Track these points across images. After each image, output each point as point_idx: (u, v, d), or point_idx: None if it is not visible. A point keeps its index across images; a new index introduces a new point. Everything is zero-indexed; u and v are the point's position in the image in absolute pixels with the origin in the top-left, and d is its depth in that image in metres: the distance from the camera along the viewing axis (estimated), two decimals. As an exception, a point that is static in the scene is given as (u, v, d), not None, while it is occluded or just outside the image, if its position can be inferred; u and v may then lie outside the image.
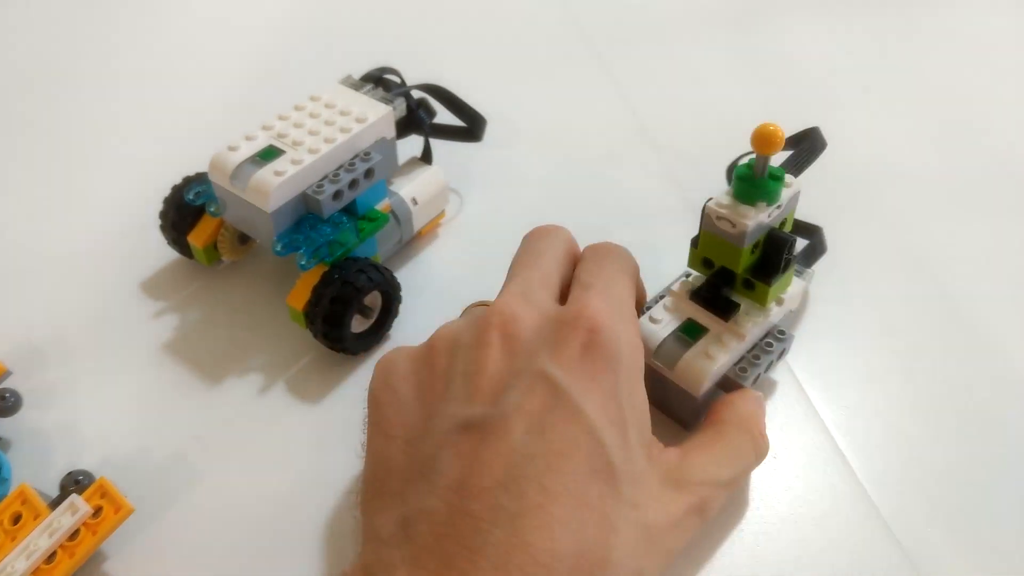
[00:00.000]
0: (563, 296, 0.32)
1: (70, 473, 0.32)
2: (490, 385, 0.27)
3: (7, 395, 0.35)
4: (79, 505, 0.31)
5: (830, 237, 0.41)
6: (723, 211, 0.33)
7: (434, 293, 0.43)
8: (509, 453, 0.25)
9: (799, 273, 0.39)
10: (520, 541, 0.23)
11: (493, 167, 0.51)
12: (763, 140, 0.32)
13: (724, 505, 0.31)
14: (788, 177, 0.34)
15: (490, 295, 0.43)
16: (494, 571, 0.23)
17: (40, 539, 0.30)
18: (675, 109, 0.56)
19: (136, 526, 0.33)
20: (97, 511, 0.31)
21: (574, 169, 0.51)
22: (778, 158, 0.34)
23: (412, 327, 0.41)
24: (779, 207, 0.34)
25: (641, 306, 0.34)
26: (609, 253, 0.33)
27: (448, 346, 0.29)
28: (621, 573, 0.25)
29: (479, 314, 0.30)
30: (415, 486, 0.26)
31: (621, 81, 0.58)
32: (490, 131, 0.47)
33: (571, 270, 0.33)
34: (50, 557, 0.30)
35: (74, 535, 0.31)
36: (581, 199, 0.49)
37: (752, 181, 0.33)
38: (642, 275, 0.43)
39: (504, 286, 0.32)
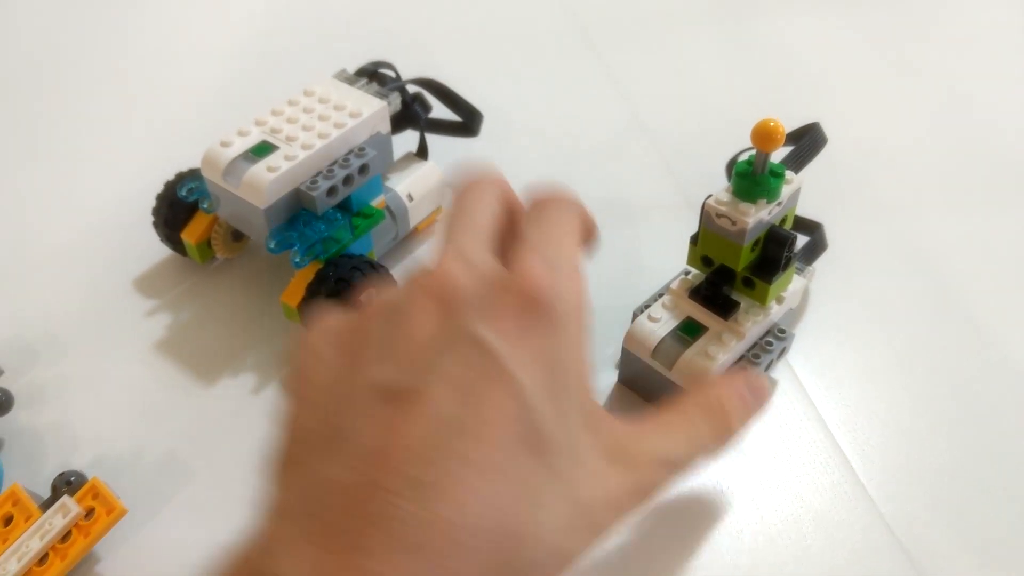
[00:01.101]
0: (504, 255, 0.30)
1: (62, 474, 0.32)
2: (418, 351, 0.25)
3: None
4: (71, 507, 0.30)
5: (830, 234, 0.41)
6: (723, 208, 0.33)
7: (430, 290, 0.42)
8: (430, 422, 0.23)
9: (799, 271, 0.38)
10: (433, 516, 0.22)
11: (490, 161, 0.50)
12: (763, 136, 0.31)
13: (669, 487, 0.29)
14: (789, 173, 0.34)
15: (487, 292, 0.42)
16: (403, 550, 0.21)
17: (31, 541, 0.30)
18: (673, 104, 0.55)
19: (129, 527, 0.32)
20: (89, 512, 0.31)
21: (571, 164, 0.51)
22: (778, 154, 0.33)
23: (408, 325, 0.41)
24: (780, 204, 0.33)
25: (591, 238, 0.32)
26: (554, 205, 0.31)
27: (379, 311, 0.27)
28: (543, 550, 0.23)
29: (416, 278, 0.28)
30: (324, 456, 0.24)
31: (618, 75, 0.58)
32: (486, 126, 0.46)
33: (510, 224, 0.31)
34: (42, 559, 0.30)
35: (66, 537, 0.30)
36: (579, 194, 0.48)
37: (752, 178, 0.33)
38: (640, 273, 0.43)
39: (439, 249, 0.29)
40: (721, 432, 0.30)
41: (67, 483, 0.32)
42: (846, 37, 0.61)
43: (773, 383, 0.38)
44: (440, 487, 0.22)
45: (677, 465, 0.29)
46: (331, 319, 0.27)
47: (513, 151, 0.51)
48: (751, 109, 0.54)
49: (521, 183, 0.48)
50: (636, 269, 0.43)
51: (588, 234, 0.32)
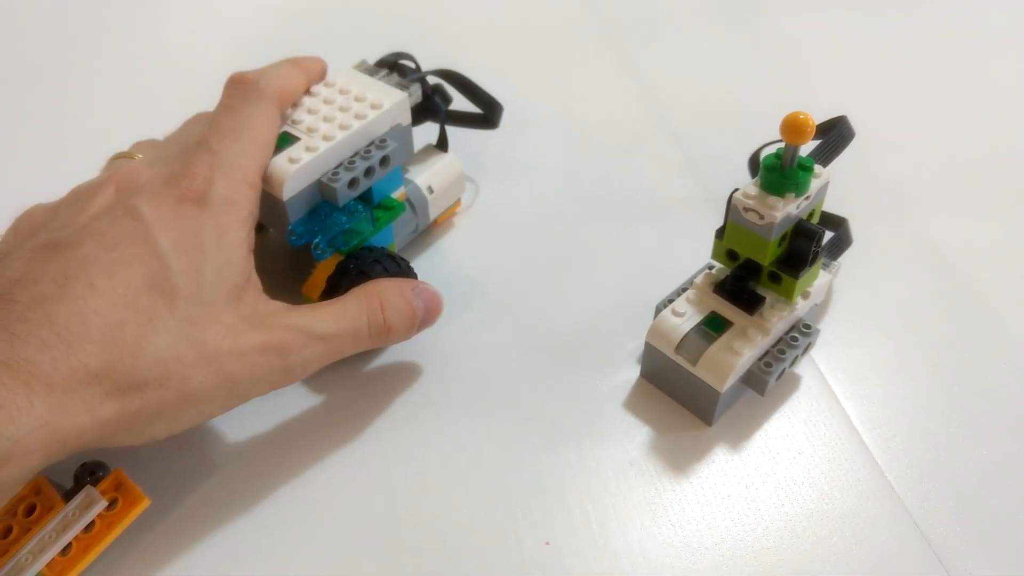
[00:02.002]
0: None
1: (85, 464, 0.32)
2: (84, 219, 0.31)
3: None
4: (94, 497, 0.30)
5: (855, 229, 0.40)
6: (750, 202, 0.32)
7: (451, 283, 0.42)
8: (71, 260, 0.29)
9: (825, 266, 0.38)
10: (49, 320, 0.27)
11: (509, 155, 0.50)
12: (792, 129, 0.31)
13: (316, 360, 0.33)
14: (817, 167, 0.33)
15: (508, 284, 0.42)
16: (14, 339, 0.27)
17: (55, 531, 0.30)
18: (694, 99, 0.55)
19: (151, 518, 0.32)
20: (112, 503, 0.31)
21: (591, 158, 0.50)
22: (805, 147, 0.33)
23: (428, 318, 0.40)
24: (807, 198, 0.33)
25: (286, 102, 0.37)
26: (240, 96, 0.35)
27: (73, 194, 0.34)
28: (158, 368, 0.28)
29: (111, 170, 0.35)
30: None
31: (639, 69, 0.57)
32: (506, 119, 0.46)
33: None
34: (65, 549, 0.30)
35: (89, 527, 0.30)
36: (599, 188, 0.48)
37: (780, 171, 0.32)
38: (661, 268, 0.42)
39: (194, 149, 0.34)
40: (375, 321, 0.34)
41: (90, 474, 0.31)
42: (870, 32, 0.60)
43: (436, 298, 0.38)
44: (61, 301, 0.28)
45: (321, 338, 0.33)
46: (40, 206, 0.34)
47: (533, 144, 0.51)
48: (772, 104, 0.53)
49: (540, 176, 0.49)
50: (657, 264, 0.43)
51: (286, 92, 0.37)
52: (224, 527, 0.33)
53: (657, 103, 0.54)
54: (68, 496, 0.31)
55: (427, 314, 0.36)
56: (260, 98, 0.35)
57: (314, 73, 0.39)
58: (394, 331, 0.35)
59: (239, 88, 0.35)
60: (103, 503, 0.30)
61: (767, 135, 0.44)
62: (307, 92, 0.39)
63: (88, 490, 0.31)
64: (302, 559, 0.32)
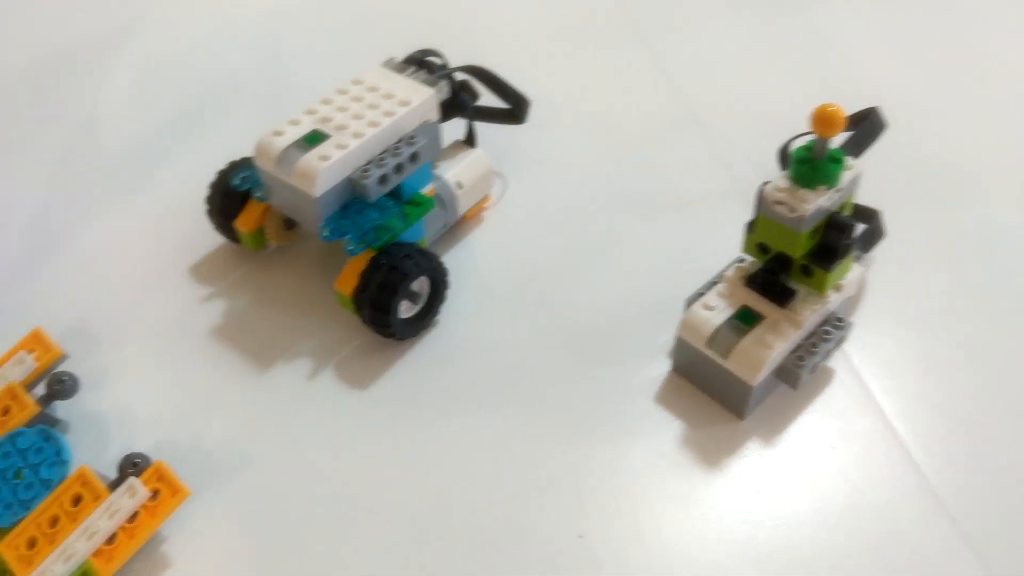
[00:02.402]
0: None
1: (128, 456, 0.33)
2: None
3: (64, 378, 0.35)
4: (138, 488, 0.31)
5: (887, 222, 0.40)
6: (781, 195, 0.32)
7: (481, 278, 0.42)
8: None
9: (857, 259, 0.37)
10: None
11: (536, 150, 0.50)
12: (823, 121, 0.30)
13: None
14: (848, 159, 0.33)
15: (537, 279, 0.42)
16: None
17: (101, 520, 0.31)
18: (721, 93, 0.54)
19: (191, 508, 0.33)
20: (155, 494, 0.31)
21: (619, 152, 0.50)
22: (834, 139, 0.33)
23: (460, 312, 0.41)
24: (839, 190, 0.32)
25: None
26: None
27: None
28: None
29: None
30: None
31: (665, 63, 0.57)
32: (533, 114, 0.46)
33: None
34: (110, 538, 0.31)
35: (133, 517, 0.31)
36: (627, 182, 0.48)
37: (811, 164, 0.32)
38: (690, 262, 0.42)
39: None
40: None
41: (133, 464, 0.32)
42: (899, 23, 0.59)
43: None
44: None
45: None
46: None
47: (560, 139, 0.51)
48: (801, 97, 0.52)
49: (568, 171, 0.49)
50: (686, 258, 0.43)
51: None
52: (262, 518, 0.33)
53: (684, 97, 0.54)
54: (113, 487, 0.32)
55: None
56: None
57: None
58: None
59: None
60: (146, 493, 0.31)
61: (795, 128, 0.44)
62: (340, 91, 0.39)
63: (132, 481, 0.31)
64: (339, 548, 0.32)
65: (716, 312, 0.35)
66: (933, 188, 0.46)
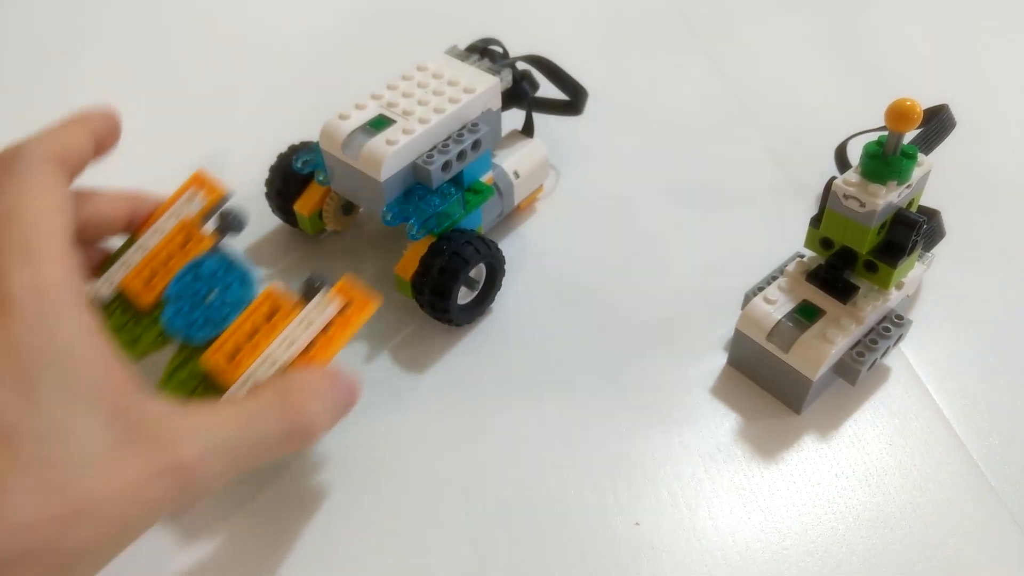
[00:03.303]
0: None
1: (310, 277, 0.32)
2: None
3: (234, 212, 0.35)
4: (330, 299, 0.31)
5: (946, 222, 0.40)
6: (851, 189, 0.32)
7: (534, 268, 0.43)
8: None
9: (921, 257, 0.37)
10: None
11: (589, 142, 0.50)
12: (899, 116, 0.30)
13: (216, 479, 0.26)
14: (920, 156, 0.33)
15: (591, 270, 0.43)
16: None
17: (297, 330, 0.31)
18: (775, 90, 0.54)
19: (241, 489, 0.34)
20: (345, 306, 0.32)
21: (672, 146, 0.50)
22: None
23: (513, 301, 0.41)
24: (909, 186, 0.32)
25: (70, 162, 0.29)
26: (2, 172, 0.27)
27: None
28: (17, 539, 0.22)
29: None
30: None
31: (721, 60, 0.57)
32: (588, 107, 0.46)
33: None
34: (307, 348, 0.31)
35: (327, 328, 0.31)
36: (679, 176, 0.48)
37: (883, 159, 0.32)
38: (744, 256, 0.42)
39: None
40: (294, 422, 0.28)
41: (320, 283, 0.32)
42: (956, 20, 0.59)
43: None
44: None
45: (227, 454, 0.26)
46: None
47: (613, 132, 0.51)
48: (855, 97, 0.52)
49: (621, 164, 0.49)
50: (739, 252, 0.43)
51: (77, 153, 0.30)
52: (317, 501, 0.34)
53: (738, 92, 0.54)
54: (302, 302, 0.32)
55: (347, 404, 0.31)
56: (27, 166, 0.28)
57: (99, 125, 0.31)
58: (317, 432, 0.29)
59: (3, 163, 0.28)
60: (338, 304, 0.31)
61: (849, 125, 0.44)
62: (405, 77, 0.39)
63: (324, 293, 0.32)
64: (392, 529, 0.33)
65: (777, 306, 0.35)
66: (991, 190, 0.46)
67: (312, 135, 0.40)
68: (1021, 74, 0.54)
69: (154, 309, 0.33)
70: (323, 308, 0.31)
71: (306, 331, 0.31)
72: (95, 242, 0.35)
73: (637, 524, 0.33)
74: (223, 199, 0.36)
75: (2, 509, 0.22)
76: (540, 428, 0.36)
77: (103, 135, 0.31)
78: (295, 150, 0.42)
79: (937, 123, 0.36)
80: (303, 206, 0.42)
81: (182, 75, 0.57)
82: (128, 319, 0.33)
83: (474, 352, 0.39)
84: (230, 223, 0.35)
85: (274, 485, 0.34)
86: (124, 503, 0.24)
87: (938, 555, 0.31)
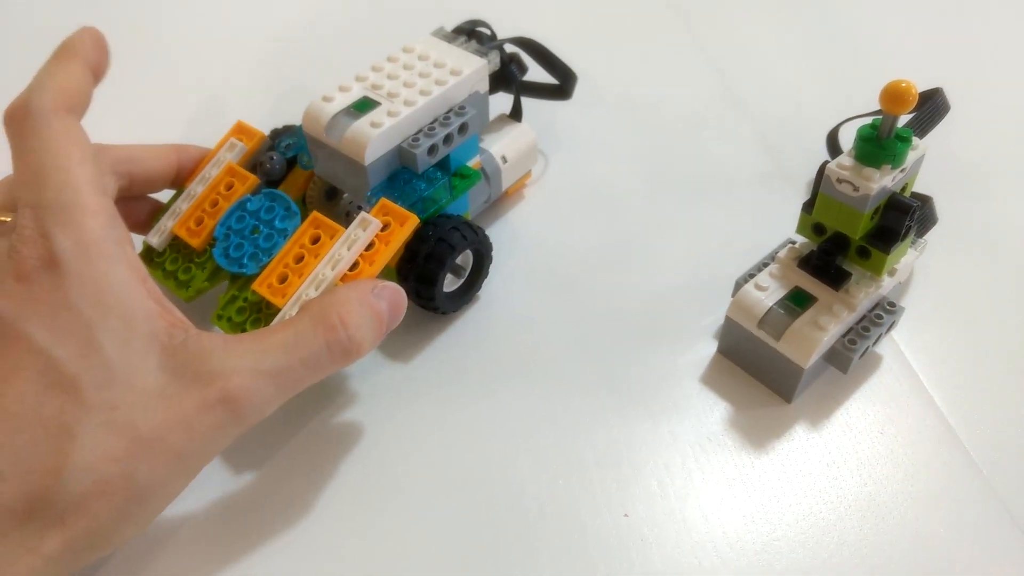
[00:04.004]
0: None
1: (350, 201, 0.34)
2: None
3: (275, 158, 0.38)
4: (370, 220, 0.33)
5: (939, 207, 0.39)
6: (845, 173, 0.31)
7: (522, 255, 0.42)
8: None
9: (913, 244, 0.37)
10: None
11: (578, 128, 0.49)
12: (894, 98, 0.30)
13: (269, 403, 0.28)
14: (915, 139, 0.32)
15: (579, 258, 0.42)
16: None
17: (341, 251, 0.33)
18: (767, 76, 0.54)
19: (220, 477, 0.33)
20: (385, 226, 0.33)
21: (661, 133, 0.49)
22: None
23: (501, 289, 0.40)
24: (903, 170, 0.32)
25: (76, 103, 0.30)
26: (20, 131, 0.28)
27: None
28: (91, 477, 0.25)
29: None
30: None
31: (709, 45, 0.56)
32: (576, 93, 0.46)
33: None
34: (352, 266, 0.32)
35: (370, 246, 0.33)
36: (668, 163, 0.47)
37: (877, 142, 0.31)
38: (734, 243, 0.42)
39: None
40: (335, 340, 0.29)
41: (359, 207, 0.34)
42: (943, 9, 0.59)
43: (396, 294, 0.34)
44: None
45: (275, 374, 0.28)
46: None
47: (602, 119, 0.50)
48: (846, 83, 0.52)
49: (610, 151, 0.48)
50: (729, 240, 0.42)
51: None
52: (301, 491, 0.33)
53: (728, 79, 0.53)
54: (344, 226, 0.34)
55: (392, 314, 0.31)
56: (41, 122, 0.28)
57: (91, 55, 0.31)
58: (362, 345, 0.30)
59: (14, 123, 0.29)
60: (378, 224, 0.33)
61: (840, 112, 0.43)
62: (390, 59, 0.38)
63: (363, 215, 0.33)
64: (377, 520, 0.32)
65: (768, 293, 0.35)
66: (982, 177, 0.46)
67: (295, 118, 0.39)
68: (1014, 61, 0.54)
69: (206, 250, 0.36)
70: (364, 227, 0.33)
71: (349, 251, 0.32)
72: (145, 195, 0.37)
73: (626, 515, 0.32)
74: (264, 144, 0.38)
75: (77, 450, 0.25)
76: (528, 417, 0.35)
77: (96, 62, 0.32)
78: (278, 134, 0.41)
79: (931, 107, 0.36)
80: (286, 191, 0.41)
81: (167, 60, 0.56)
82: (182, 263, 0.36)
83: (460, 341, 0.38)
84: (274, 168, 0.37)
85: (258, 476, 0.33)
86: (184, 434, 0.26)
87: (930, 543, 0.31)
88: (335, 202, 0.43)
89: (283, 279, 0.33)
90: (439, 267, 0.36)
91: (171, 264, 0.37)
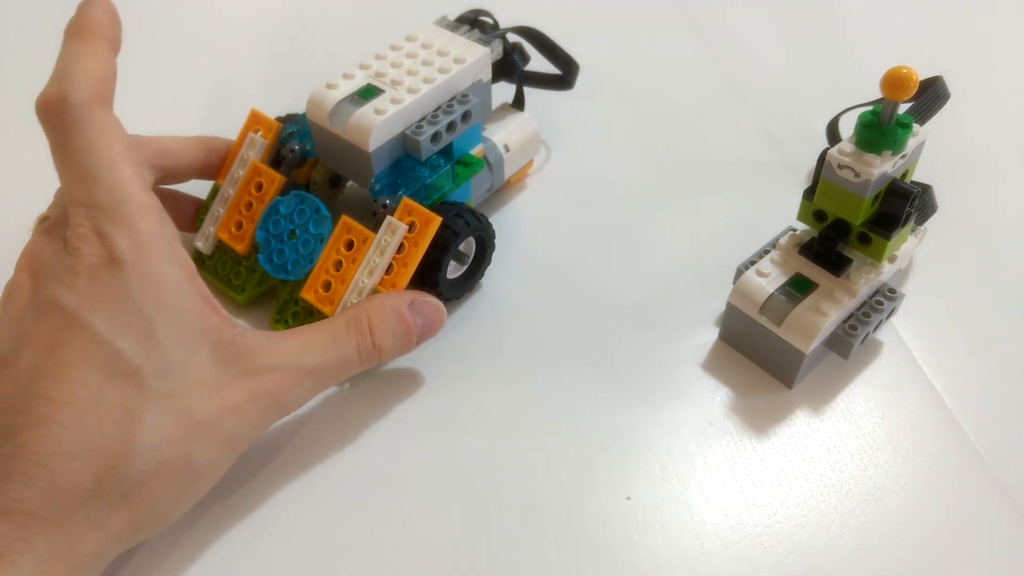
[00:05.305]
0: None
1: (376, 200, 0.35)
2: (13, 323, 0.29)
3: (296, 147, 0.39)
4: (396, 225, 0.35)
5: (938, 195, 0.40)
6: (846, 159, 0.32)
7: (525, 243, 0.42)
8: (16, 378, 0.27)
9: (914, 231, 0.37)
10: (24, 451, 0.25)
11: (580, 118, 0.49)
12: (895, 84, 0.30)
13: (307, 395, 0.31)
14: (915, 126, 0.32)
15: (581, 246, 0.42)
16: (2, 479, 0.25)
17: (375, 257, 0.35)
18: (767, 66, 0.54)
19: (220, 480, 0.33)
20: (411, 226, 0.35)
21: (663, 122, 0.50)
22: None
23: (503, 276, 0.40)
24: (904, 156, 0.32)
25: (108, 91, 0.31)
26: (59, 126, 0.29)
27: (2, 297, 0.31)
28: (155, 459, 0.27)
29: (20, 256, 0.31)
30: None
31: (710, 35, 0.56)
32: (578, 82, 0.46)
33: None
34: (387, 269, 0.35)
35: (400, 248, 0.35)
36: (670, 152, 0.48)
37: (878, 128, 0.31)
38: (735, 231, 0.42)
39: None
40: (364, 346, 0.32)
41: (383, 206, 0.35)
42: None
43: (446, 302, 0.36)
44: (27, 427, 0.25)
45: (314, 372, 0.31)
46: None
47: (604, 108, 0.50)
48: (846, 73, 0.52)
49: (611, 140, 0.48)
50: (731, 228, 0.43)
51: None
52: (304, 484, 0.33)
53: (729, 68, 0.53)
54: (373, 229, 0.35)
55: (426, 329, 0.34)
56: (81, 117, 0.29)
57: (109, 32, 0.32)
58: (385, 353, 0.33)
59: (53, 117, 0.29)
60: (404, 227, 0.35)
61: (840, 101, 0.44)
62: (394, 47, 0.39)
63: (389, 220, 0.35)
64: (381, 509, 0.32)
65: (769, 279, 0.35)
66: (982, 165, 0.46)
67: (300, 107, 0.39)
68: (1013, 51, 0.54)
69: (250, 254, 0.38)
70: (392, 232, 0.35)
71: (382, 257, 0.34)
72: (188, 195, 0.40)
73: (629, 499, 0.32)
74: (279, 132, 0.39)
75: (140, 434, 0.27)
76: (531, 403, 0.35)
77: (115, 38, 0.32)
78: (281, 122, 0.41)
79: (931, 94, 0.36)
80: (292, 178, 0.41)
81: (173, 50, 0.56)
82: (232, 266, 0.39)
83: (463, 328, 0.38)
84: (296, 157, 0.39)
85: (259, 466, 0.33)
86: (234, 420, 0.29)
87: (929, 527, 0.31)
88: (339, 189, 0.43)
89: (327, 286, 0.35)
90: (443, 254, 0.36)
91: (221, 268, 0.39)
